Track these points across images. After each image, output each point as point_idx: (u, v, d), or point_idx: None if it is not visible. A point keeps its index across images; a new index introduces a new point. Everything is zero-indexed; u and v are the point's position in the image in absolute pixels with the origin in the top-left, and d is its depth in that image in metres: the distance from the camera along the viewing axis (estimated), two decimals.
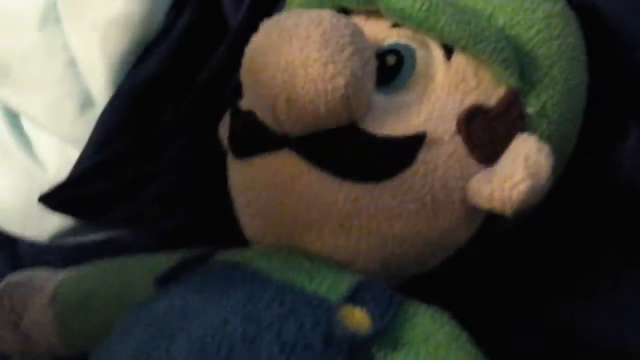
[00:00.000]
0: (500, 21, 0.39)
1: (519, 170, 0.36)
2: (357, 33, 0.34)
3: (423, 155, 0.36)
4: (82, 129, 0.51)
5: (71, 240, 0.54)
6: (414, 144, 0.36)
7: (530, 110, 0.39)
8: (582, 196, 0.45)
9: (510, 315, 0.43)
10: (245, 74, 0.35)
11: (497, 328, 0.42)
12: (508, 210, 0.36)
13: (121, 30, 0.49)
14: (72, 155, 0.52)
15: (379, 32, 0.39)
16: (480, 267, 0.43)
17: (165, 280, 0.35)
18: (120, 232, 0.54)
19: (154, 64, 0.50)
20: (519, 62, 0.39)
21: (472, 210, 0.37)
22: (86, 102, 0.52)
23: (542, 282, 0.44)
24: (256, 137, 0.36)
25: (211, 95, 0.49)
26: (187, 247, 0.42)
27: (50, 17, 0.53)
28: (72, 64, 0.52)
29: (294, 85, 0.33)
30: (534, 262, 0.44)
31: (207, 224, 0.50)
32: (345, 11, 0.41)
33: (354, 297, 0.33)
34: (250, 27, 0.36)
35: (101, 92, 0.51)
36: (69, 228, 0.53)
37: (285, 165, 0.35)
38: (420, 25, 0.37)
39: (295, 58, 0.33)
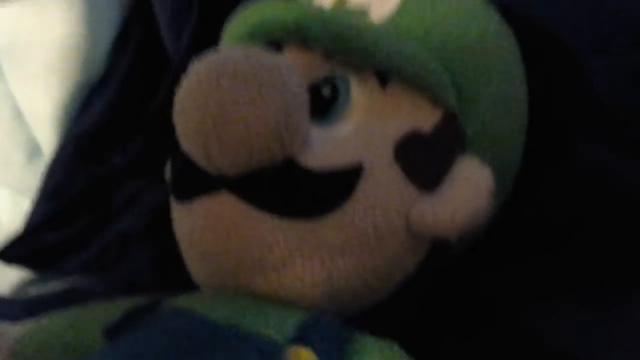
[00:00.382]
0: (434, 42, 0.39)
1: (460, 194, 0.36)
2: (286, 68, 0.34)
3: (362, 186, 0.35)
4: (32, 178, 0.51)
5: (33, 291, 0.54)
6: (351, 175, 0.35)
7: (469, 130, 0.39)
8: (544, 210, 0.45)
9: (473, 338, 0.43)
10: (176, 117, 0.35)
11: (460, 352, 0.41)
12: (452, 235, 0.36)
13: (62, 77, 0.50)
14: (23, 204, 0.51)
15: (313, 63, 0.39)
16: (436, 291, 0.42)
17: (113, 331, 0.35)
18: (82, 279, 0.54)
19: (99, 108, 0.51)
20: (454, 83, 0.39)
21: (416, 237, 0.37)
22: (34, 151, 0.52)
23: (503, 302, 0.44)
24: (193, 180, 0.36)
25: (159, 135, 0.49)
26: (150, 289, 0.41)
27: None
28: (17, 114, 0.52)
29: (225, 126, 0.33)
30: (494, 283, 0.44)
31: (166, 264, 0.50)
32: (278, 44, 0.41)
33: (300, 337, 0.32)
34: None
35: (48, 140, 0.51)
36: (30, 279, 0.53)
37: (224, 207, 0.35)
38: (352, 55, 0.37)
39: (224, 98, 0.33)
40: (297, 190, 0.35)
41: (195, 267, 0.38)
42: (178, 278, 0.42)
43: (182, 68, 0.35)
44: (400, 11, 0.40)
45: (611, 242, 0.42)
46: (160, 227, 0.47)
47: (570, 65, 0.46)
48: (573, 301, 0.42)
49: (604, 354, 0.39)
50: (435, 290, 0.41)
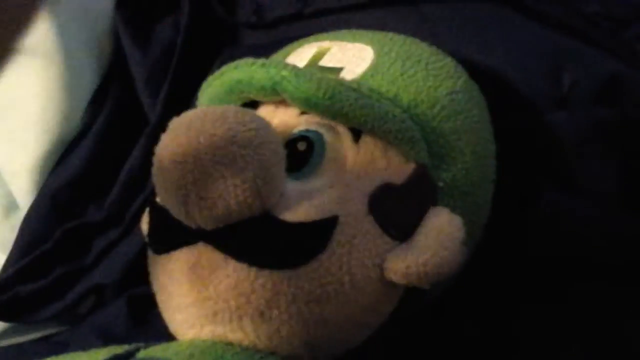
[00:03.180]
0: (405, 101, 0.41)
1: (432, 244, 0.37)
2: (262, 126, 0.35)
3: (337, 238, 0.36)
4: (7, 233, 0.51)
5: (9, 341, 0.54)
6: (326, 227, 0.36)
7: (441, 183, 0.40)
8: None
9: None
10: (155, 173, 0.35)
11: None
12: (424, 284, 0.37)
13: (40, 134, 0.50)
14: None
15: (289, 119, 0.40)
16: (408, 334, 0.43)
17: None
18: (58, 328, 0.53)
19: (75, 163, 0.51)
20: (425, 138, 0.40)
21: (390, 285, 0.38)
22: (10, 206, 0.52)
23: (476, 344, 0.45)
24: (171, 233, 0.37)
25: (133, 190, 0.50)
26: (125, 339, 0.41)
27: None
28: None
29: (204, 183, 0.34)
30: (468, 325, 0.45)
31: (141, 315, 0.50)
32: (254, 103, 0.42)
33: None
34: (167, 122, 0.37)
35: (24, 195, 0.51)
36: (5, 329, 0.53)
37: (201, 258, 0.36)
38: (326, 112, 0.39)
39: (202, 156, 0.34)
40: (273, 242, 0.36)
41: (172, 317, 0.39)
42: (153, 329, 0.43)
43: (159, 125, 0.36)
44: (372, 71, 0.42)
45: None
46: (136, 277, 0.47)
47: (533, 118, 0.48)
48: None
49: None
50: (407, 333, 0.42)
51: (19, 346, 0.53)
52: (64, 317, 0.52)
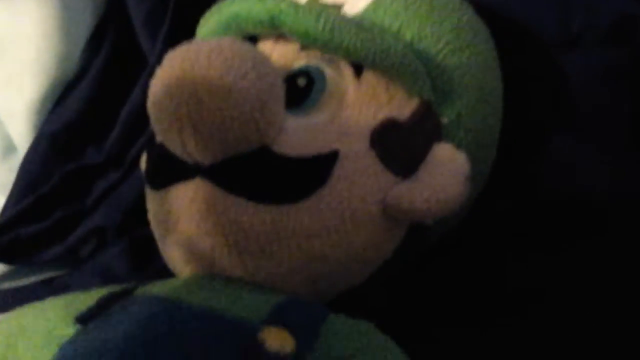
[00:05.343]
0: (408, 36, 0.40)
1: (435, 180, 0.37)
2: (259, 58, 0.35)
3: (338, 173, 0.36)
4: (6, 175, 0.51)
5: (10, 284, 0.54)
6: (327, 162, 0.36)
7: (445, 120, 0.40)
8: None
9: (449, 323, 0.43)
10: (151, 107, 0.35)
11: (435, 336, 0.42)
12: (429, 219, 0.37)
13: (37, 75, 0.49)
14: None
15: (289, 55, 0.40)
16: (412, 275, 0.43)
17: (85, 319, 0.35)
18: (59, 271, 0.53)
19: (74, 105, 0.50)
20: (429, 73, 0.39)
21: (393, 222, 0.37)
22: (8, 148, 0.52)
23: (485, 292, 0.44)
24: (169, 168, 0.36)
25: (133, 131, 0.49)
26: (126, 281, 0.41)
27: None
28: None
29: (199, 115, 0.33)
30: (469, 270, 0.45)
31: (142, 257, 0.50)
32: (253, 37, 0.41)
33: (275, 318, 0.33)
34: None
35: (22, 138, 0.50)
36: (6, 272, 0.53)
37: (199, 193, 0.35)
38: (326, 46, 0.38)
39: (198, 87, 0.33)
40: (272, 176, 0.35)
41: (171, 253, 0.38)
42: (155, 270, 0.42)
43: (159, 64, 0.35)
44: (375, 6, 0.41)
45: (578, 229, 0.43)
46: (137, 220, 0.47)
47: (543, 59, 0.47)
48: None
49: None
50: (411, 274, 0.41)
51: (19, 289, 0.52)
52: (65, 260, 0.51)
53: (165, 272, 0.40)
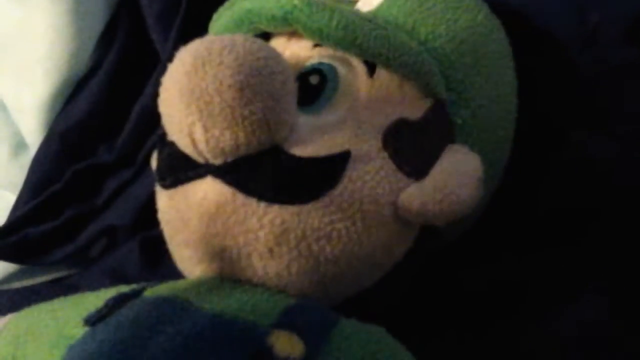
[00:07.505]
0: (422, 33, 0.39)
1: (449, 182, 0.36)
2: (272, 55, 0.34)
3: (349, 174, 0.35)
4: (17, 173, 0.51)
5: (19, 284, 0.53)
6: (338, 163, 0.35)
7: (459, 120, 0.39)
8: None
9: (460, 328, 0.43)
10: (161, 104, 0.34)
11: (446, 340, 0.41)
12: (441, 222, 0.36)
13: (48, 71, 0.49)
14: (9, 199, 0.51)
15: (301, 52, 0.39)
16: (424, 279, 0.42)
17: (94, 320, 0.35)
18: (68, 271, 0.53)
19: (85, 102, 0.50)
20: (443, 73, 0.39)
21: (405, 224, 0.37)
22: (19, 145, 0.51)
23: (491, 297, 0.43)
24: (179, 167, 0.36)
25: (145, 129, 0.49)
26: (136, 281, 0.41)
27: None
28: (2, 108, 0.51)
29: (210, 113, 0.33)
30: (480, 274, 0.44)
31: (152, 257, 0.50)
32: (266, 35, 0.41)
33: (284, 322, 0.32)
34: None
35: (33, 135, 0.50)
36: (16, 272, 0.53)
37: (209, 193, 0.35)
38: (339, 44, 0.37)
39: (209, 85, 0.32)
40: (283, 176, 0.35)
41: (180, 254, 0.38)
42: (166, 271, 0.42)
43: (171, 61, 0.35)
44: (389, 3, 0.40)
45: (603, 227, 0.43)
46: (148, 220, 0.46)
47: (559, 58, 0.46)
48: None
49: None
50: (422, 278, 0.41)
51: (29, 288, 0.52)
52: (76, 260, 0.51)
53: (175, 273, 0.40)
